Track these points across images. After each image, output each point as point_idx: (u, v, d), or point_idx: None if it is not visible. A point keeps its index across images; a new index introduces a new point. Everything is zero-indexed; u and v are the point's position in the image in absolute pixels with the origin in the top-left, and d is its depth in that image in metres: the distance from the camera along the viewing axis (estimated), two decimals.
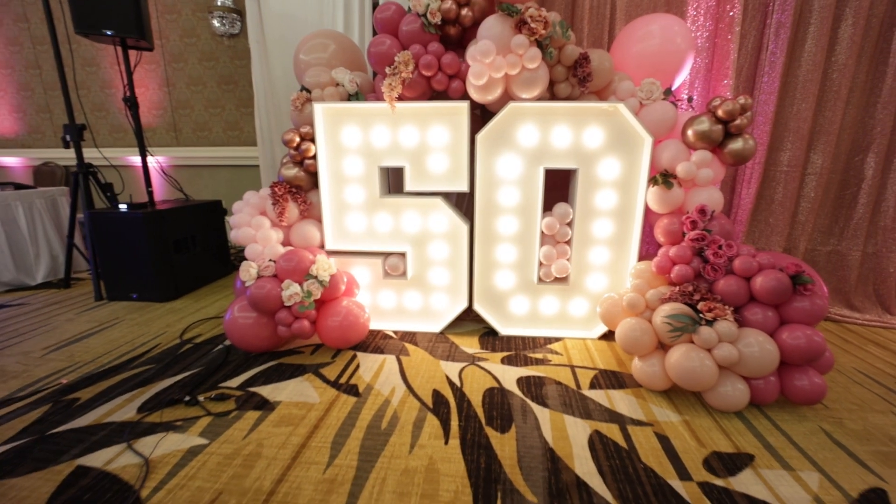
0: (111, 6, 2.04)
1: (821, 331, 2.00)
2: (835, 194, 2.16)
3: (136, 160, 3.49)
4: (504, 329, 1.91)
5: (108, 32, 2.06)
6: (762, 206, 2.15)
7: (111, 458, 1.14)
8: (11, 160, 3.79)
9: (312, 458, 1.14)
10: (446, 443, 1.20)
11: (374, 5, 2.64)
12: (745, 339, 1.31)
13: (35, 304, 2.33)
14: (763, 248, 2.18)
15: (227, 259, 2.86)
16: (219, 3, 3.17)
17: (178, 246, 2.39)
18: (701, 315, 1.37)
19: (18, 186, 2.69)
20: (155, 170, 2.75)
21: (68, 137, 2.32)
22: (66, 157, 3.67)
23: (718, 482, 1.07)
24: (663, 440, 1.23)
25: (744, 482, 1.07)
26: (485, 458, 1.14)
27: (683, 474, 1.09)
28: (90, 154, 2.51)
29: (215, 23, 3.22)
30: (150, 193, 2.41)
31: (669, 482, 1.07)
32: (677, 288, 1.47)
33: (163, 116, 3.49)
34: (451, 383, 1.51)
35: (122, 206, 2.29)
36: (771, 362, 1.29)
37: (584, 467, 1.11)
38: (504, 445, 1.19)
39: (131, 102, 2.27)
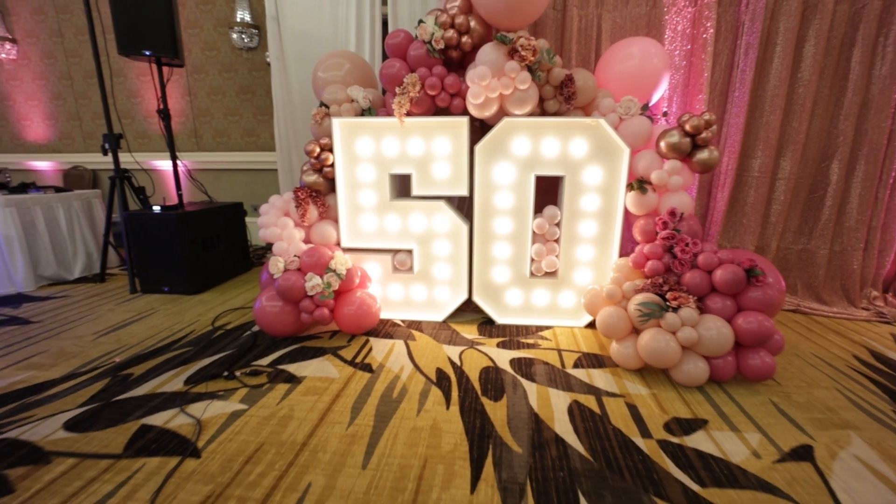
0: (150, 29, 2.29)
1: (790, 322, 2.22)
2: (803, 197, 2.37)
3: (159, 164, 3.75)
4: (500, 318, 2.13)
5: (147, 53, 2.30)
6: (736, 209, 2.36)
7: (169, 419, 1.37)
8: (43, 164, 4.05)
9: (336, 419, 1.37)
10: (447, 408, 1.42)
11: (384, 23, 2.87)
12: (705, 323, 1.53)
13: (77, 296, 2.58)
14: (737, 247, 2.40)
15: (246, 256, 3.10)
16: (238, 20, 3.42)
17: (205, 244, 2.63)
18: (668, 303, 1.58)
19: (59, 190, 2.94)
20: (181, 173, 2.99)
21: (107, 146, 2.56)
22: (93, 161, 3.94)
23: (674, 440, 1.29)
24: (632, 408, 1.44)
25: (696, 440, 1.29)
26: (480, 420, 1.36)
27: (645, 433, 1.31)
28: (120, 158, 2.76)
29: (235, 37, 3.47)
30: (181, 196, 2.65)
31: (633, 439, 1.29)
32: (649, 280, 1.69)
33: (185, 123, 3.74)
34: (452, 363, 1.73)
35: (156, 208, 2.53)
36: (726, 343, 1.51)
37: (563, 427, 1.33)
38: (496, 411, 1.41)
39: (164, 114, 2.51)
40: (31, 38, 3.74)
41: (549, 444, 1.26)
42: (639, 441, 1.28)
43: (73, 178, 3.98)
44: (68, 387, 1.57)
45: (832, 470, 1.18)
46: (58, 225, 2.84)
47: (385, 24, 2.86)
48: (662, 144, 1.80)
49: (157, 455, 1.21)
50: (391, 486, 1.09)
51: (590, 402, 1.48)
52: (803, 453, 1.24)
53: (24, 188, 2.89)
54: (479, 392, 1.52)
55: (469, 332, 2.05)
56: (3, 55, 3.74)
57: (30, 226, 2.68)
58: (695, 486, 1.10)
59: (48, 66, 3.79)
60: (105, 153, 2.58)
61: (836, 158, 2.27)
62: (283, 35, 2.80)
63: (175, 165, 2.67)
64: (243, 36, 3.45)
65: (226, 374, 1.62)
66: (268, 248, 3.56)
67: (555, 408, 1.43)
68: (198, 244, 2.56)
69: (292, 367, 1.69)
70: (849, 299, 2.39)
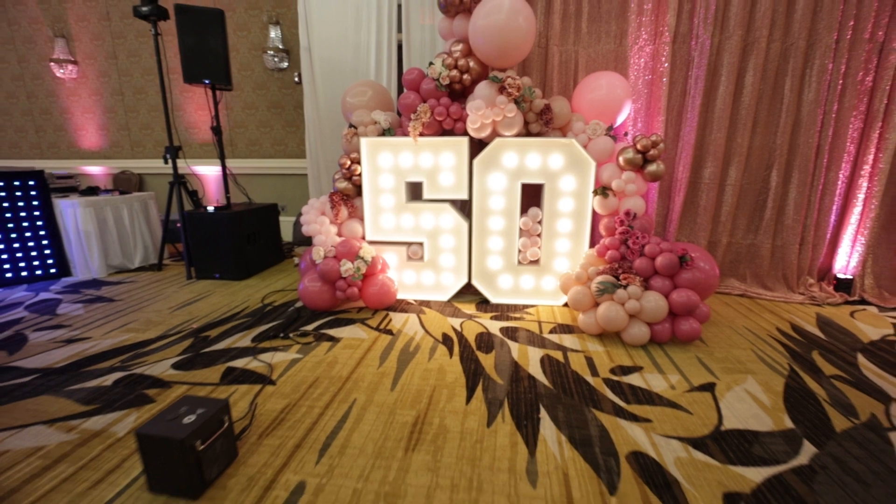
0: (209, 63, 2.80)
1: (735, 304, 2.69)
2: (749, 200, 2.83)
3: (199, 169, 4.27)
4: (494, 298, 2.62)
5: (207, 81, 2.82)
6: (691, 210, 2.83)
7: (247, 363, 1.88)
8: (95, 169, 4.60)
9: (369, 363, 1.86)
10: (451, 357, 1.92)
11: (399, 48, 3.35)
12: (647, 297, 2.01)
13: (143, 281, 3.10)
14: (692, 241, 2.86)
15: (279, 250, 3.61)
16: (270, 45, 3.93)
17: (248, 239, 3.14)
18: (620, 282, 2.07)
19: (122, 192, 3.47)
20: (217, 177, 3.50)
21: (168, 156, 3.08)
22: (139, 166, 4.48)
23: (615, 378, 1.77)
24: (588, 359, 1.93)
25: (630, 378, 1.77)
26: (474, 365, 1.85)
27: (594, 374, 1.80)
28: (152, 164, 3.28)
29: (267, 59, 3.98)
30: (228, 199, 3.16)
31: (584, 377, 1.77)
32: (608, 265, 2.18)
33: (222, 133, 4.25)
34: (454, 329, 2.23)
35: (210, 208, 3.04)
36: (662, 312, 1.99)
37: (534, 370, 1.82)
38: (487, 359, 1.90)
39: (217, 131, 3.02)
40: (89, 60, 4.28)
41: (523, 379, 1.75)
42: (588, 378, 1.76)
43: (122, 181, 4.52)
44: (164, 343, 2.09)
45: (724, 396, 1.65)
46: (122, 222, 3.36)
47: (400, 48, 3.35)
48: (621, 159, 2.28)
49: (244, 383, 1.71)
50: (411, 400, 1.59)
51: (557, 355, 1.96)
52: (707, 387, 1.72)
53: (91, 191, 3.43)
54: (475, 348, 2.02)
55: (468, 308, 2.54)
56: (66, 75, 4.29)
57: (102, 223, 3.21)
58: (622, 403, 1.59)
59: (103, 83, 4.33)
60: (166, 162, 3.09)
61: (774, 168, 2.74)
62: (314, 62, 3.30)
63: (224, 173, 3.18)
64: (275, 58, 3.97)
65: (282, 335, 2.12)
66: (295, 243, 4.06)
67: (530, 358, 1.92)
68: (243, 238, 3.07)
69: (331, 331, 2.19)
70: (788, 286, 2.85)
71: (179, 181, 3.17)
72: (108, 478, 1.21)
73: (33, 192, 2.93)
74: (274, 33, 3.93)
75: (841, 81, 2.56)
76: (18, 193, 2.89)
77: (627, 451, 1.33)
